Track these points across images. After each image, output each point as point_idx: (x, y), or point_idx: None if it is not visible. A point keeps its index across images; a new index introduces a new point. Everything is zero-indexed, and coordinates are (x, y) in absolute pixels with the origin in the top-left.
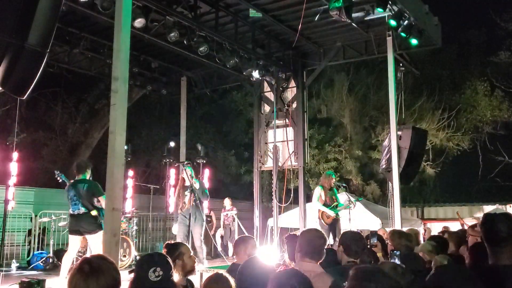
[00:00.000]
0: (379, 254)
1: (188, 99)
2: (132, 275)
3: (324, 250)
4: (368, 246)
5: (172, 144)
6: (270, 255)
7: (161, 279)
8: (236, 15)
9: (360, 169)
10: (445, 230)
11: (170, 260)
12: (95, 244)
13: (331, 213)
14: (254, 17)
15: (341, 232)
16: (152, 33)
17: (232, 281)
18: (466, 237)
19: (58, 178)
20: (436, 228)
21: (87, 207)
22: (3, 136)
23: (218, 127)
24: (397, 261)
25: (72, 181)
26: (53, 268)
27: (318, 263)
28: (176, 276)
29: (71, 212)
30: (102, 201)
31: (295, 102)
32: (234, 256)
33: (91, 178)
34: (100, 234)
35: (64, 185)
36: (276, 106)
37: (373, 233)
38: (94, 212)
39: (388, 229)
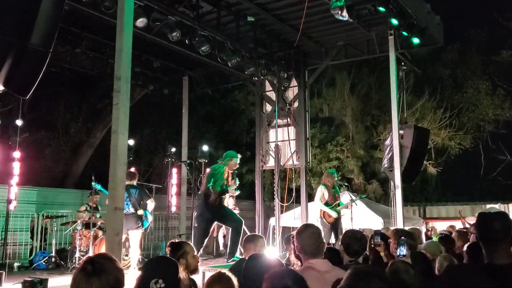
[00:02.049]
0: (383, 254)
1: (190, 98)
2: (140, 273)
3: (321, 245)
4: (372, 245)
5: (173, 149)
6: (272, 254)
7: None
8: (237, 14)
9: (362, 168)
10: (452, 229)
11: (177, 266)
12: (134, 238)
13: (333, 214)
14: (255, 16)
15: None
16: (154, 33)
17: (234, 280)
18: (469, 236)
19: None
20: (439, 227)
21: (135, 208)
22: (6, 136)
23: (220, 126)
24: (404, 249)
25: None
26: (56, 267)
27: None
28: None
29: None
30: (149, 203)
31: (296, 101)
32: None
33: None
34: (140, 231)
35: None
36: (277, 105)
37: (377, 232)
38: (140, 212)
39: (391, 228)
